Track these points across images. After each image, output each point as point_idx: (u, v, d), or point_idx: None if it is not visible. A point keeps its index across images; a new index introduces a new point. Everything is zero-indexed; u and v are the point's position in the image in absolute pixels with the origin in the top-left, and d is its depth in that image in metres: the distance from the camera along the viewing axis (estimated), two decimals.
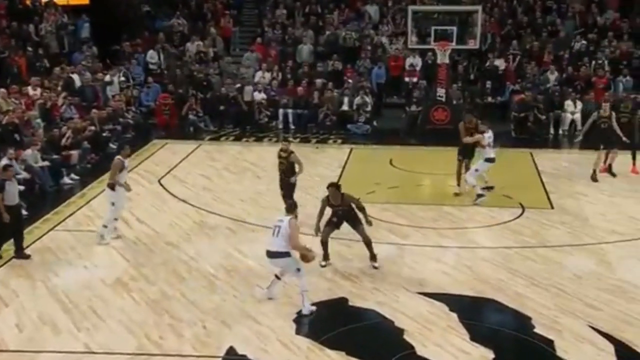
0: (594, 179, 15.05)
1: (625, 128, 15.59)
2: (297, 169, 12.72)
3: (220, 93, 21.17)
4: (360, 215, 10.80)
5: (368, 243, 10.76)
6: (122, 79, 21.04)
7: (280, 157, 12.89)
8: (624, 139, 15.01)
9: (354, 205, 10.80)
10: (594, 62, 21.28)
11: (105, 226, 11.95)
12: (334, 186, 10.81)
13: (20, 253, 11.16)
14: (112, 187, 11.83)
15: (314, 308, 9.46)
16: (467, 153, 14.20)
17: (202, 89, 21.27)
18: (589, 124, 15.61)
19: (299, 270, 9.41)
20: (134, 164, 16.29)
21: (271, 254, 9.41)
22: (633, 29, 22.30)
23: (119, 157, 12.09)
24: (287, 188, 12.74)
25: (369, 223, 10.81)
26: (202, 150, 18.14)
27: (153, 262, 11.07)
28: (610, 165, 15.31)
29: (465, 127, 14.10)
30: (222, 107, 20.67)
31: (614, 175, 15.26)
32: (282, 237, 9.26)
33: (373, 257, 10.80)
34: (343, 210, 10.78)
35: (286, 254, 9.32)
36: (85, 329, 9.03)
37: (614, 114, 15.06)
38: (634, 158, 15.60)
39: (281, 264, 9.49)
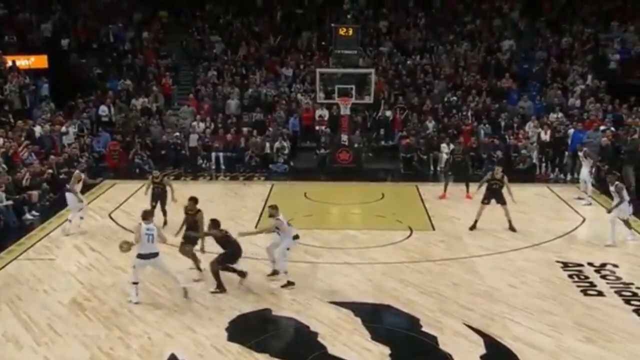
0: (472, 228, 13.61)
1: (458, 165, 16.70)
2: (169, 189, 13.90)
3: (161, 140, 20.87)
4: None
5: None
6: (76, 129, 20.47)
7: (154, 182, 13.96)
8: (513, 200, 13.56)
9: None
10: (461, 114, 21.93)
11: (69, 221, 13.31)
12: (211, 221, 10.38)
13: None
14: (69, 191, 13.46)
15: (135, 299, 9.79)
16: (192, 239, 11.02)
17: (146, 137, 20.95)
18: (483, 182, 13.86)
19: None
20: (89, 200, 15.76)
21: (154, 255, 9.75)
22: (490, 87, 23.21)
23: (79, 171, 13.91)
24: (165, 201, 13.89)
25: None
26: None
27: (104, 284, 10.67)
28: (509, 221, 13.58)
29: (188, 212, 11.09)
30: (163, 152, 20.36)
31: (514, 230, 13.50)
32: (156, 240, 9.75)
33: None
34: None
35: (158, 254, 9.85)
36: (44, 344, 8.62)
37: (506, 177, 13.65)
38: (467, 187, 16.14)
39: (156, 262, 9.86)
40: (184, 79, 24.93)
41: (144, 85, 23.54)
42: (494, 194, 13.57)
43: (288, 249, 10.64)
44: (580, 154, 16.45)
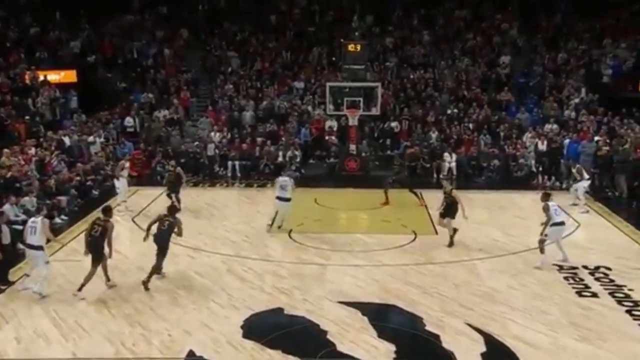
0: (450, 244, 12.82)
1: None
2: (183, 176, 15.73)
3: (181, 149, 20.94)
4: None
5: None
6: (102, 139, 20.60)
7: (170, 172, 16.08)
8: (464, 216, 12.85)
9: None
10: (463, 125, 21.85)
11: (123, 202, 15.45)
12: (171, 206, 11.28)
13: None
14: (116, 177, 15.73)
15: (42, 290, 9.82)
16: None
17: (167, 146, 21.04)
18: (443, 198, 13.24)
19: (47, 262, 10.00)
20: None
21: (32, 247, 9.82)
22: (490, 100, 23.11)
23: (123, 160, 16.46)
24: (176, 188, 15.18)
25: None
26: None
27: (127, 284, 10.70)
28: (453, 234, 12.90)
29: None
30: (182, 160, 20.36)
31: (451, 245, 12.76)
32: (38, 234, 9.76)
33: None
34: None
35: (41, 248, 9.83)
36: (72, 340, 8.66)
37: (455, 192, 13.28)
38: (418, 195, 16.11)
39: (37, 255, 9.85)
40: (202, 92, 25.03)
41: (166, 98, 23.66)
42: (446, 207, 12.96)
43: None
44: (574, 170, 16.39)
